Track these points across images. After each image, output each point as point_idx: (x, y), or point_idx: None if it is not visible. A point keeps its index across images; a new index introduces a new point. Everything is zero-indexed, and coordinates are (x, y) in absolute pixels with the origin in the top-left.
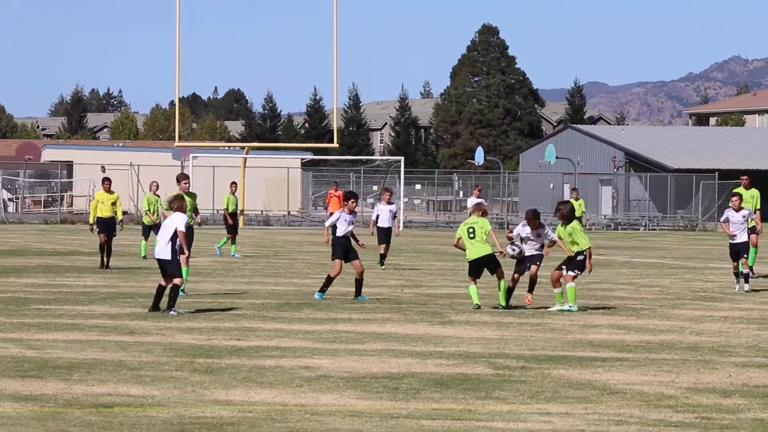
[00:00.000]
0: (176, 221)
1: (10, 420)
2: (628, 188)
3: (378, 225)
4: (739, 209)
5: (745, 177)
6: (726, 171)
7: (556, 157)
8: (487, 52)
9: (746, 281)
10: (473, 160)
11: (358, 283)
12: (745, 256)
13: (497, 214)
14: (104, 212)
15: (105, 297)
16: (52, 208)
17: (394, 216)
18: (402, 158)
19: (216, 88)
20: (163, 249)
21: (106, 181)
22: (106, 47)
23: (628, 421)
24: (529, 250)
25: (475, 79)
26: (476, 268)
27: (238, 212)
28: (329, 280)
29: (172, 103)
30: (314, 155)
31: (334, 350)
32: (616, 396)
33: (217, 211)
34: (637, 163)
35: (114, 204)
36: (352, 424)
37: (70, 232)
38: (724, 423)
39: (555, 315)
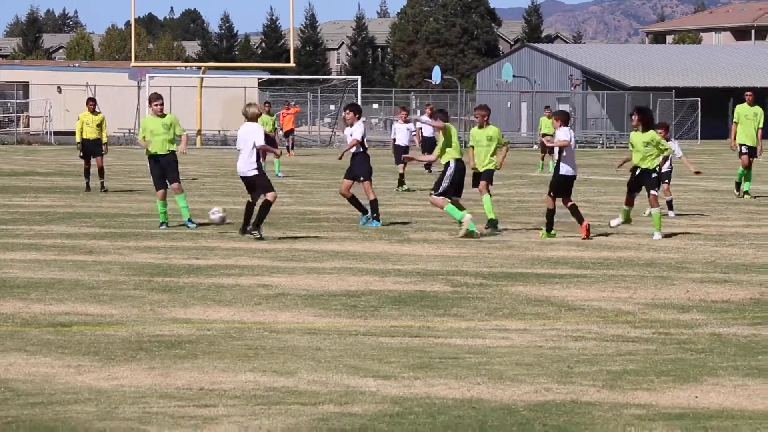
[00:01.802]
0: (254, 134)
1: None
2: (586, 106)
3: (396, 144)
4: None
5: (749, 93)
6: (682, 89)
7: (513, 76)
8: None
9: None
10: (430, 79)
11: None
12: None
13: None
14: (89, 134)
15: (62, 217)
16: (8, 129)
17: (413, 133)
18: (359, 78)
19: (172, 8)
20: (246, 164)
21: (91, 102)
22: None
23: (586, 336)
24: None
25: None
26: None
27: (269, 132)
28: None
29: (128, 24)
30: (271, 75)
31: (292, 268)
32: (574, 312)
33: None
34: (594, 81)
35: (99, 125)
36: (310, 342)
37: (26, 152)
38: (681, 338)
39: (511, 232)
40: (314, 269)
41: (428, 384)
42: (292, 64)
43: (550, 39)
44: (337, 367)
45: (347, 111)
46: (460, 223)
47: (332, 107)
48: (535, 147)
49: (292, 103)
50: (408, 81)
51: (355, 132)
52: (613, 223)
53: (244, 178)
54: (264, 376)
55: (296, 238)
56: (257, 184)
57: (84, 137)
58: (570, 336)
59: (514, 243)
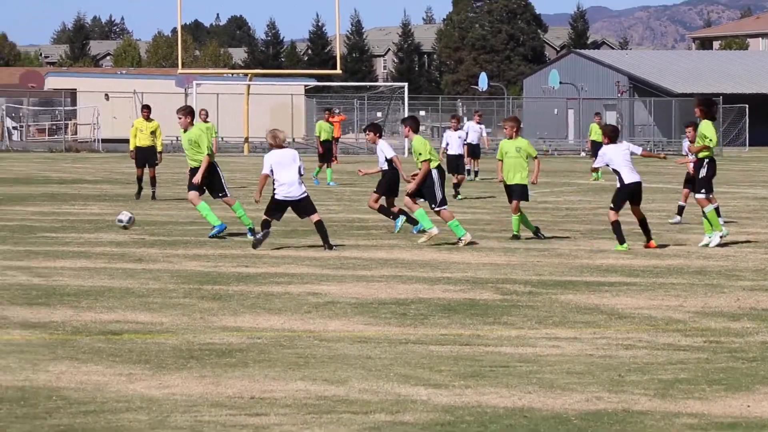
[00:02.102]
0: (294, 156)
1: (19, 347)
2: (633, 113)
3: (448, 153)
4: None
5: None
6: (730, 95)
7: (560, 83)
8: None
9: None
10: (477, 85)
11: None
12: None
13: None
14: (143, 141)
15: (111, 225)
16: (56, 137)
17: (465, 141)
18: (406, 84)
19: (218, 14)
20: (298, 188)
21: (145, 109)
22: None
23: (636, 345)
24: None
25: (478, 4)
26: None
27: (322, 139)
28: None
29: (174, 30)
30: (318, 82)
31: (342, 276)
32: (624, 321)
33: (222, 138)
34: (641, 87)
35: (153, 133)
36: (360, 350)
37: (74, 160)
38: (732, 347)
39: (561, 240)
40: (363, 277)
41: (479, 393)
42: (338, 70)
43: (596, 45)
44: (388, 376)
45: (367, 132)
46: (423, 231)
47: (379, 114)
48: (583, 154)
49: (337, 110)
50: (454, 88)
51: (386, 151)
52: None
53: (292, 202)
54: (315, 385)
55: (345, 245)
56: (307, 207)
57: (138, 144)
58: (621, 344)
59: (564, 251)
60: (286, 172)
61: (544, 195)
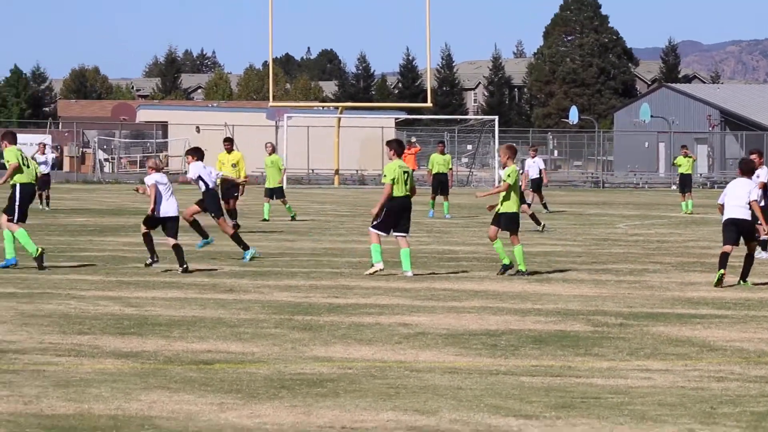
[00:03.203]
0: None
1: (112, 376)
2: (724, 147)
3: (530, 178)
4: None
5: None
6: None
7: (651, 116)
8: (580, 11)
9: None
10: (567, 119)
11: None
12: None
13: (592, 173)
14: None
15: (202, 256)
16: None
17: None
18: (496, 118)
19: (309, 48)
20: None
21: (227, 142)
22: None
23: (728, 377)
24: None
25: (569, 38)
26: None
27: (434, 172)
28: None
29: (265, 64)
30: (408, 115)
31: (432, 307)
32: (716, 353)
33: (312, 170)
34: (732, 121)
35: (235, 165)
36: (451, 381)
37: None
38: None
39: (652, 273)
40: (454, 308)
41: (570, 424)
42: (429, 104)
43: (687, 79)
44: (479, 407)
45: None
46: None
47: (469, 147)
48: (673, 187)
49: (413, 140)
50: (545, 121)
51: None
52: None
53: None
54: (405, 415)
55: (435, 277)
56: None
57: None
58: (713, 377)
59: (654, 283)
60: (167, 192)
61: (635, 227)
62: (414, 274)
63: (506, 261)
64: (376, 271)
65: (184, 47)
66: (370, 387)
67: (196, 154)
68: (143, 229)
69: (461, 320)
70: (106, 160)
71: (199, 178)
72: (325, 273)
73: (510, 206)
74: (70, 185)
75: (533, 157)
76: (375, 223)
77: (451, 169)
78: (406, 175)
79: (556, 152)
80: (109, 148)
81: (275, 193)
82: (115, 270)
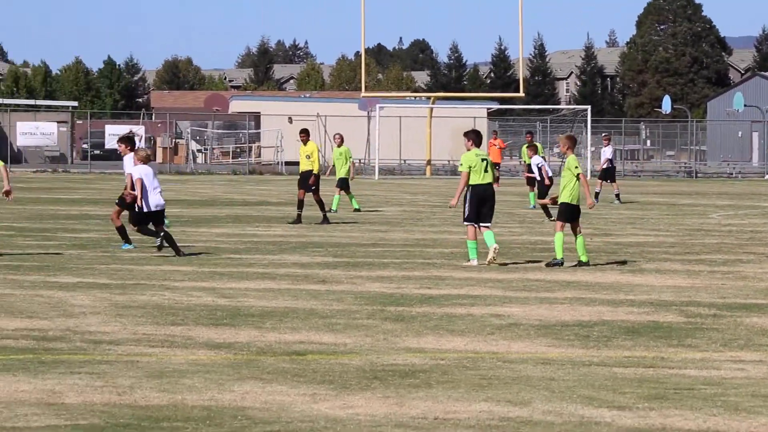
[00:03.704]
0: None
1: (205, 367)
2: None
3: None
4: None
5: None
6: None
7: (744, 105)
8: (674, 0)
9: None
10: (660, 108)
11: None
12: None
13: (685, 163)
14: (301, 165)
15: (295, 246)
16: (240, 159)
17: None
18: (588, 107)
19: (401, 38)
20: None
21: (302, 133)
22: None
23: None
24: None
25: (662, 27)
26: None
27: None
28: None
29: (357, 54)
30: (500, 105)
31: (525, 298)
32: None
33: (404, 161)
34: None
35: (309, 157)
36: (544, 372)
37: (258, 182)
38: None
39: (745, 263)
40: (546, 299)
41: (663, 415)
42: (521, 93)
43: None
44: (571, 398)
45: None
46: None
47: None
48: (767, 177)
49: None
50: (637, 110)
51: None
52: None
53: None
54: (498, 406)
55: (528, 268)
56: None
57: (301, 169)
58: None
59: (748, 273)
60: (154, 184)
61: (728, 218)
62: (504, 264)
63: (560, 256)
64: (472, 266)
65: (277, 38)
66: (463, 378)
67: (131, 143)
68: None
69: (554, 311)
70: (199, 150)
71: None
72: (417, 264)
73: (568, 197)
74: (163, 176)
75: (606, 146)
76: (466, 215)
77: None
78: (484, 162)
79: (648, 142)
80: (201, 138)
81: (345, 184)
82: (208, 261)
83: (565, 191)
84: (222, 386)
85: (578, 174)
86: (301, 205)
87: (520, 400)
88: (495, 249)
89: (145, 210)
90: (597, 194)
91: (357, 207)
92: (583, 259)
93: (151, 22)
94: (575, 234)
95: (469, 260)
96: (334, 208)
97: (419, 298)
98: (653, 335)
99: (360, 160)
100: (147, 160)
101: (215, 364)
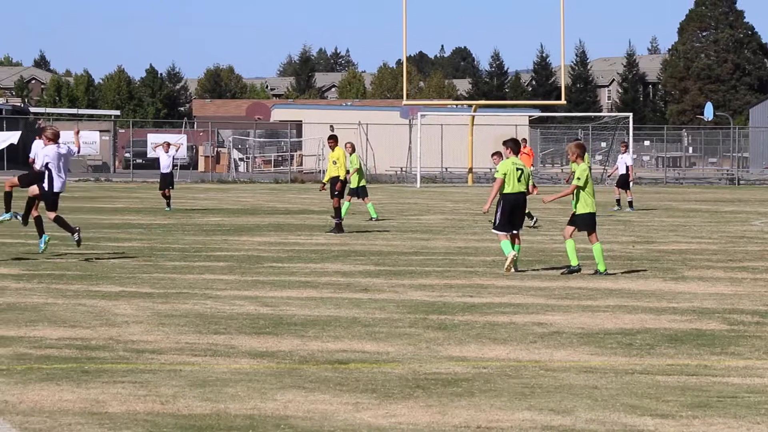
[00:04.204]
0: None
1: (247, 376)
2: None
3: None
4: None
5: None
6: None
7: None
8: (716, 7)
9: None
10: (702, 115)
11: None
12: None
13: (727, 170)
14: (329, 172)
15: (337, 255)
16: (282, 168)
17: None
18: (630, 114)
19: (443, 46)
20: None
21: (331, 139)
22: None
23: None
24: None
25: (704, 34)
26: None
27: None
28: None
29: (399, 62)
30: (542, 112)
31: (567, 306)
32: None
33: (446, 169)
34: None
35: (335, 162)
36: (586, 380)
37: (300, 191)
38: None
39: None
40: (589, 307)
41: (707, 423)
42: (562, 101)
43: None
44: (614, 406)
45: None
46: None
47: (603, 144)
48: None
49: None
50: (679, 117)
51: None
52: None
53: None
54: (541, 415)
55: (570, 276)
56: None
57: (330, 175)
58: None
59: None
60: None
61: None
62: (538, 270)
63: (574, 263)
64: (511, 261)
65: (319, 46)
66: (505, 386)
67: (56, 138)
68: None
69: (596, 319)
70: (241, 159)
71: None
72: (459, 272)
73: (583, 207)
74: (205, 185)
75: (624, 153)
76: (496, 224)
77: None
78: (519, 171)
79: (690, 149)
80: (243, 147)
81: (359, 192)
82: (250, 269)
83: (579, 201)
84: (265, 395)
85: (576, 184)
86: (338, 213)
87: (563, 408)
88: (513, 256)
89: (53, 191)
90: (618, 201)
91: (375, 216)
92: (601, 268)
93: (193, 31)
94: (591, 243)
95: (507, 258)
96: (373, 215)
97: (461, 307)
98: (696, 343)
99: (401, 168)
100: (56, 139)
101: (258, 372)
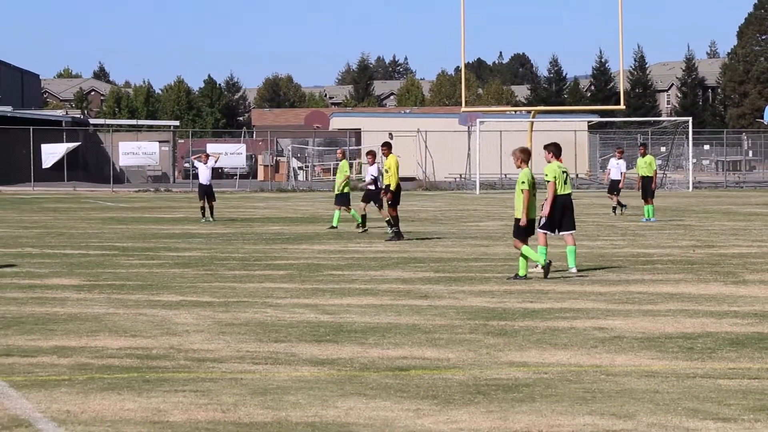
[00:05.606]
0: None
1: (308, 384)
2: None
3: (611, 178)
4: None
5: None
6: None
7: None
8: None
9: None
10: (762, 119)
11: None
12: None
13: None
14: (384, 180)
15: (396, 262)
16: None
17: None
18: (690, 119)
19: (501, 52)
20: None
21: (383, 146)
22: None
23: None
24: None
25: (763, 37)
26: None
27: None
28: None
29: (457, 69)
30: (601, 118)
31: (627, 311)
32: None
33: (505, 175)
34: None
35: (387, 171)
36: (648, 384)
37: (359, 198)
38: None
39: None
40: (649, 312)
41: None
42: (621, 106)
43: None
44: (676, 410)
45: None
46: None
47: (663, 149)
48: None
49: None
50: (739, 121)
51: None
52: None
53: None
54: (602, 419)
55: (630, 280)
56: None
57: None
58: None
59: None
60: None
61: None
62: (580, 274)
63: (541, 262)
64: (544, 268)
65: (376, 54)
66: (566, 391)
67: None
68: None
69: (657, 323)
70: (300, 168)
71: None
72: (519, 278)
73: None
74: (265, 194)
75: (618, 158)
76: (542, 223)
77: (655, 171)
78: (565, 174)
79: (750, 153)
80: (302, 156)
81: (342, 199)
82: (310, 277)
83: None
84: (326, 402)
85: (522, 189)
86: (395, 221)
87: (625, 413)
88: (536, 266)
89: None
90: (619, 203)
91: (359, 222)
92: (521, 273)
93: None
94: (516, 247)
95: (537, 265)
96: (334, 224)
97: (521, 312)
98: (758, 346)
99: (460, 175)
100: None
101: (319, 380)
